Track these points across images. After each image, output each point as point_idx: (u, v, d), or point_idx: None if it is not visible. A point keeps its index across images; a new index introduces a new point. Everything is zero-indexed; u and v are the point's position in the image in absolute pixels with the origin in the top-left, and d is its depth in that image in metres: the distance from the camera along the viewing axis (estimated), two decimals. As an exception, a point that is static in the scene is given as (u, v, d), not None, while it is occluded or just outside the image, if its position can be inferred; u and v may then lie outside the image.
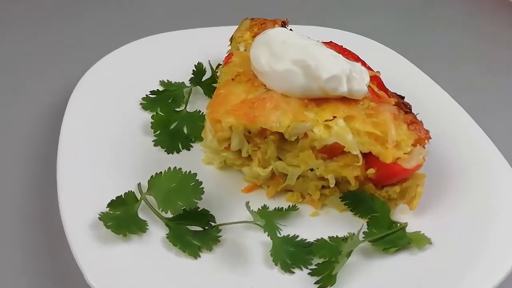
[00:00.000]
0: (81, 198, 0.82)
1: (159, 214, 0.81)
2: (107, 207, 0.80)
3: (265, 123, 0.82)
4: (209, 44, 1.20)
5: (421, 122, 0.85)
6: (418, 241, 0.80)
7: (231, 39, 1.14)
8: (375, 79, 0.92)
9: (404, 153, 0.81)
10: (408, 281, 0.76)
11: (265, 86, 0.87)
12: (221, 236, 0.80)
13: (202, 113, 1.01)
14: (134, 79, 1.10)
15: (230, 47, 1.14)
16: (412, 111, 0.88)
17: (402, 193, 0.85)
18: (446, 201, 0.88)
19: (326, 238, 0.81)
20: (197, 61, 1.14)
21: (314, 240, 0.81)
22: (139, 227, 0.78)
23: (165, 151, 0.96)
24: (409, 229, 0.83)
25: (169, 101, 1.06)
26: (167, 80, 1.11)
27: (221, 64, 1.14)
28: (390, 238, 0.81)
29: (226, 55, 1.14)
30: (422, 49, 1.43)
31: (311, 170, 0.85)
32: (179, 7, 1.59)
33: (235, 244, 0.81)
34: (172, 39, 1.21)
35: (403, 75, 1.03)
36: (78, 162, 0.88)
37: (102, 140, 0.94)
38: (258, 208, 0.85)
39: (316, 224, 0.86)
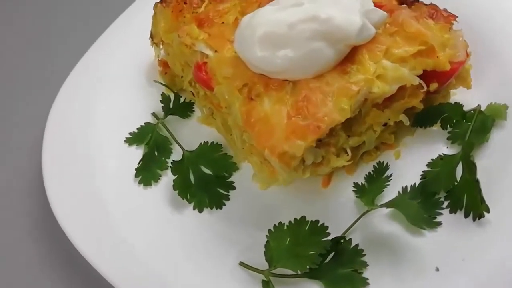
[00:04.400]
0: None
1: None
2: None
3: (332, 122, 0.69)
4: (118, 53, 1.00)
5: (434, 4, 0.79)
6: (498, 113, 0.80)
7: (152, 36, 0.91)
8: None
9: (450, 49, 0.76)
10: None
11: (288, 81, 0.72)
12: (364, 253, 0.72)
13: (212, 142, 0.83)
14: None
15: (153, 47, 0.92)
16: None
17: (457, 81, 0.82)
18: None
19: (427, 169, 0.77)
20: (125, 82, 0.97)
21: (421, 180, 0.77)
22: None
23: (216, 208, 0.80)
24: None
25: (156, 154, 0.85)
26: (129, 134, 0.88)
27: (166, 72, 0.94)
28: (478, 126, 0.79)
29: (158, 59, 0.93)
30: None
31: (384, 125, 0.77)
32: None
33: (375, 238, 0.74)
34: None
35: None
36: None
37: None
38: (354, 190, 0.78)
39: (407, 163, 0.80)
